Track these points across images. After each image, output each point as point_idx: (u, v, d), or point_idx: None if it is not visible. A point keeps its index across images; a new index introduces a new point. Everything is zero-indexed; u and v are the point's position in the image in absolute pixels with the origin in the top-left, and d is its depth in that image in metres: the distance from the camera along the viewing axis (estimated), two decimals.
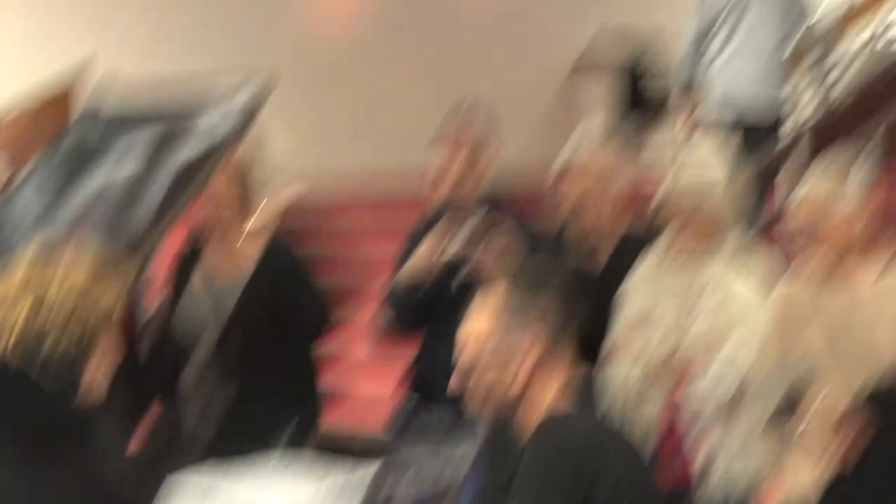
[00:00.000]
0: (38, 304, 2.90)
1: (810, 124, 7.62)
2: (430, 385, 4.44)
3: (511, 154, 4.84)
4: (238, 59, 9.60)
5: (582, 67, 12.34)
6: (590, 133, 4.58)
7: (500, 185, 4.58)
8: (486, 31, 11.83)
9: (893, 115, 7.59)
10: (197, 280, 4.27)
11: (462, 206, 4.46)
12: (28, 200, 3.60)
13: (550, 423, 2.93)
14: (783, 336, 4.13)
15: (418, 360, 4.60)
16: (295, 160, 4.44)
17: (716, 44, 7.10)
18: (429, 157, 4.54)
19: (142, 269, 3.48)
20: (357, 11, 11.24)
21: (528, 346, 2.98)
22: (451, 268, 4.38)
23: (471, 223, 4.34)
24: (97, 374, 2.89)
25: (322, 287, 4.35)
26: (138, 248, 3.39)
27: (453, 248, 4.31)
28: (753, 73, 7.08)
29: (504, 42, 11.93)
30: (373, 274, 5.21)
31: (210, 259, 4.31)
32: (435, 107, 4.98)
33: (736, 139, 6.27)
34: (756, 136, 6.92)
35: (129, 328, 3.83)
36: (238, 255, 4.29)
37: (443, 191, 4.51)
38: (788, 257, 4.34)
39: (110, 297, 2.94)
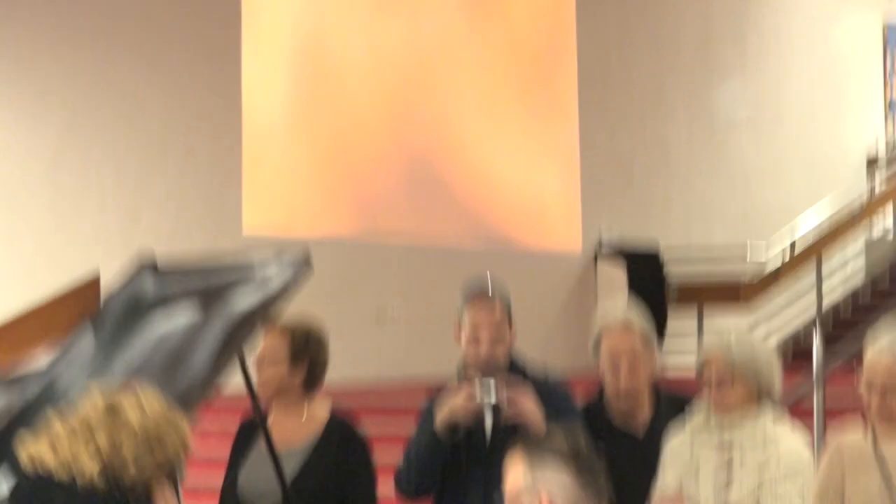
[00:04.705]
0: (119, 431, 2.89)
1: None
2: None
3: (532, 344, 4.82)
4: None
5: (603, 254, 12.49)
6: (617, 307, 4.65)
7: (522, 360, 4.58)
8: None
9: None
10: (262, 446, 4.28)
11: (488, 365, 4.44)
12: (86, 353, 3.62)
13: None
14: (841, 483, 4.17)
15: None
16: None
17: None
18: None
19: (197, 411, 3.47)
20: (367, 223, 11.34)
21: None
22: (481, 417, 4.35)
23: (498, 378, 4.33)
24: None
25: (374, 464, 4.41)
26: (195, 395, 3.40)
27: (486, 395, 4.30)
28: None
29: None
30: None
31: (275, 426, 4.34)
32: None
33: None
34: None
35: None
36: (303, 425, 4.38)
37: (470, 354, 4.50)
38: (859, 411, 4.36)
39: (186, 426, 2.94)
